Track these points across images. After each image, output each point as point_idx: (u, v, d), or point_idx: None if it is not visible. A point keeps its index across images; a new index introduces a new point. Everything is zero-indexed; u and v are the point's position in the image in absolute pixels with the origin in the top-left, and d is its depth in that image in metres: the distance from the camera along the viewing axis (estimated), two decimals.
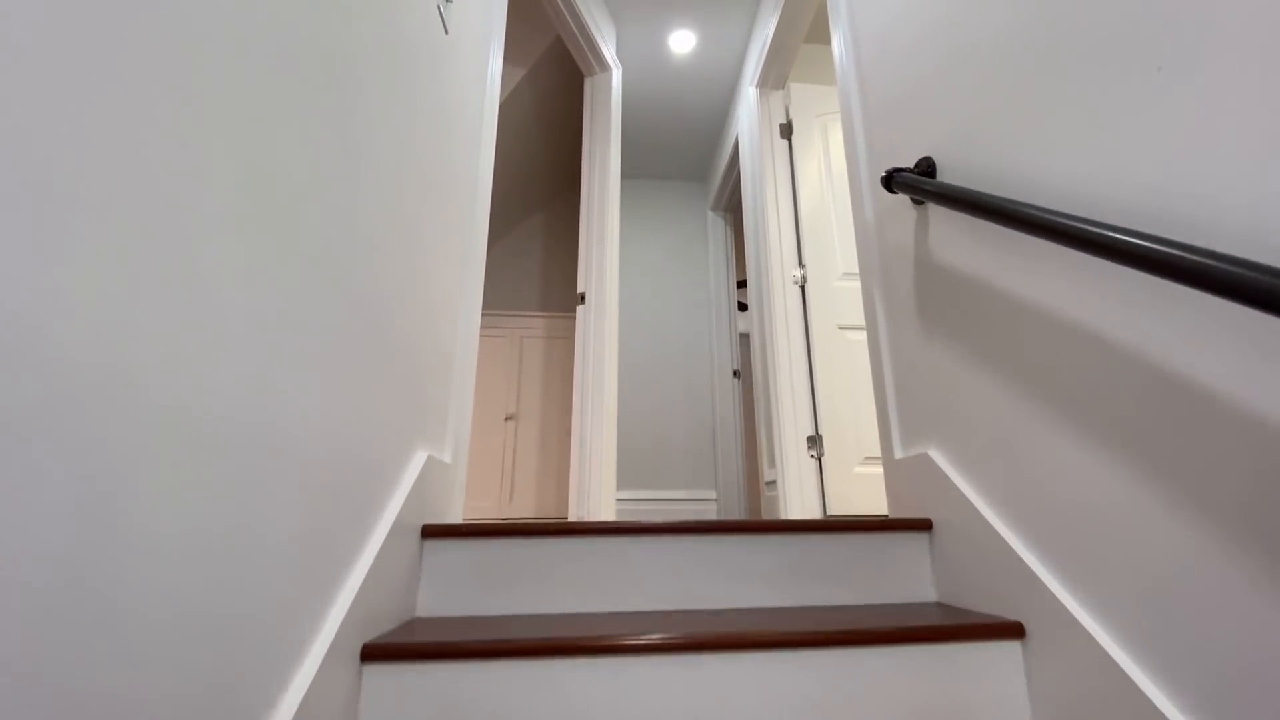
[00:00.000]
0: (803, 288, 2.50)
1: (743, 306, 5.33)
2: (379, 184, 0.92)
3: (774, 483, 2.38)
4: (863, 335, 2.42)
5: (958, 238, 1.17)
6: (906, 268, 1.36)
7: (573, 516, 2.14)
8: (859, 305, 2.46)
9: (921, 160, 1.28)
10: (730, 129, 3.37)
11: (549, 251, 3.74)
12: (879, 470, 2.25)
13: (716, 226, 3.86)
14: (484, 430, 3.11)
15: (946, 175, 1.21)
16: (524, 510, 3.06)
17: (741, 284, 5.29)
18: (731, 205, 3.80)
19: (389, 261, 0.96)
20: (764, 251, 2.63)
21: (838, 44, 1.71)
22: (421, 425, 1.12)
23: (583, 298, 2.39)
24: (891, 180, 1.27)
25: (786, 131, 2.72)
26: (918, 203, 1.31)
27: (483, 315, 3.33)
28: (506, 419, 3.18)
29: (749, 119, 2.95)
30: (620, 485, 3.46)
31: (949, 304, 1.20)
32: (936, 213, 1.25)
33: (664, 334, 3.72)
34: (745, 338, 7.75)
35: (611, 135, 2.59)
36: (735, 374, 3.54)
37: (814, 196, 2.58)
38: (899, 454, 1.36)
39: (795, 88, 2.74)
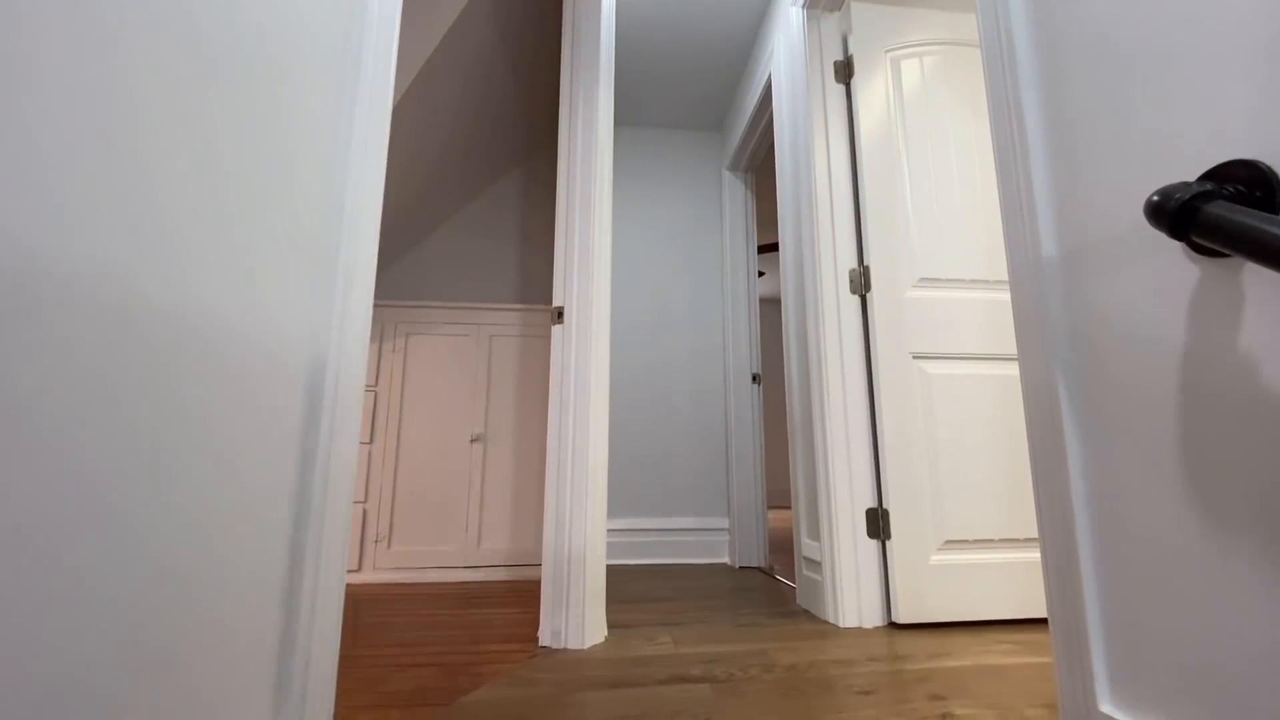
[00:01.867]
0: (863, 296, 1.82)
1: (769, 247, 4.61)
2: None
3: (817, 563, 1.78)
4: (950, 368, 1.76)
5: None
6: (1162, 374, 0.70)
7: (548, 555, 1.56)
8: (944, 325, 1.78)
9: (1232, 168, 0.60)
10: (758, 65, 2.57)
11: (525, 226, 3.01)
12: (963, 559, 1.65)
13: (734, 190, 3.11)
14: (444, 457, 2.52)
15: None
16: (495, 556, 2.51)
17: (763, 249, 4.56)
18: (754, 164, 3.04)
19: None
20: (808, 240, 1.93)
21: None
22: None
23: (559, 314, 1.71)
24: (1192, 218, 0.59)
25: (844, 72, 1.96)
26: (1207, 254, 0.64)
27: (440, 308, 2.66)
28: (472, 441, 2.55)
29: (788, 52, 2.17)
30: (613, 513, 2.88)
31: None
32: (1270, 284, 0.57)
33: (665, 328, 3.05)
34: (766, 304, 6.97)
35: (601, 74, 1.84)
36: (755, 379, 2.89)
37: (883, 168, 1.85)
38: (1106, 707, 0.75)
39: (859, 8, 1.96)
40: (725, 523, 2.89)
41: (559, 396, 1.66)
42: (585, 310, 1.69)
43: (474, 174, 2.89)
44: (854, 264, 1.84)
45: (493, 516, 2.54)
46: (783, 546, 3.32)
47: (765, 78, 2.42)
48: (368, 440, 2.51)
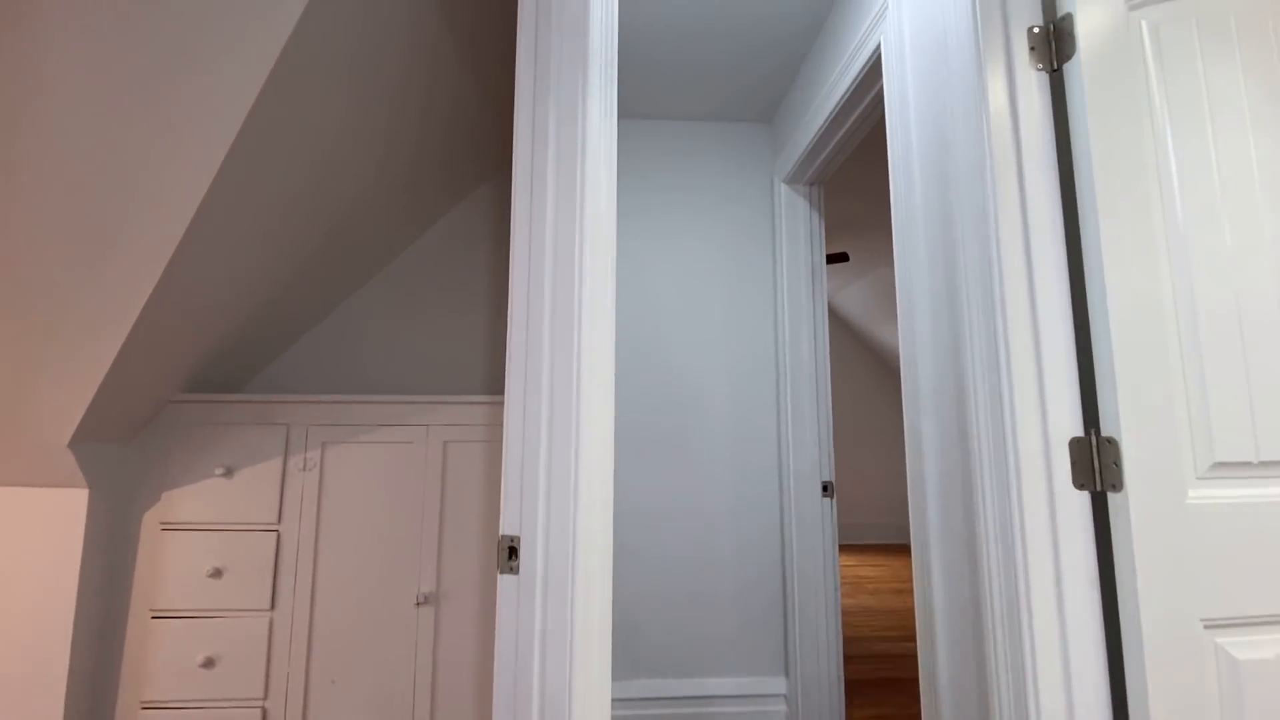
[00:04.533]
0: (1099, 495, 0.95)
1: (837, 256, 3.67)
2: None
3: None
4: None
5: None
6: None
7: None
8: (1271, 562, 0.91)
9: None
10: (845, 32, 1.64)
11: (498, 281, 2.15)
12: None
13: (795, 213, 2.19)
14: (379, 627, 1.73)
15: None
16: None
17: (832, 258, 3.63)
18: (824, 175, 2.12)
19: None
20: (974, 367, 1.05)
21: None
22: None
23: (511, 553, 0.87)
24: None
25: (1049, 47, 1.03)
26: None
27: (373, 404, 1.83)
28: (419, 603, 1.75)
29: (924, 8, 1.25)
30: (620, 674, 2.08)
31: None
32: None
33: (690, 409, 2.18)
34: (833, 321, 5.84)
35: (592, 60, 0.97)
36: (826, 489, 2.03)
37: (1135, 232, 0.95)
38: None
39: None
40: (782, 687, 2.08)
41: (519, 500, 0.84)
42: (565, 402, 0.85)
43: (421, 203, 2.02)
44: (1075, 428, 0.96)
45: (450, 710, 1.76)
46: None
47: (865, 54, 1.49)
48: (266, 606, 1.72)
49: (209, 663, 1.68)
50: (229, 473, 1.75)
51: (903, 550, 5.47)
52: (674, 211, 2.29)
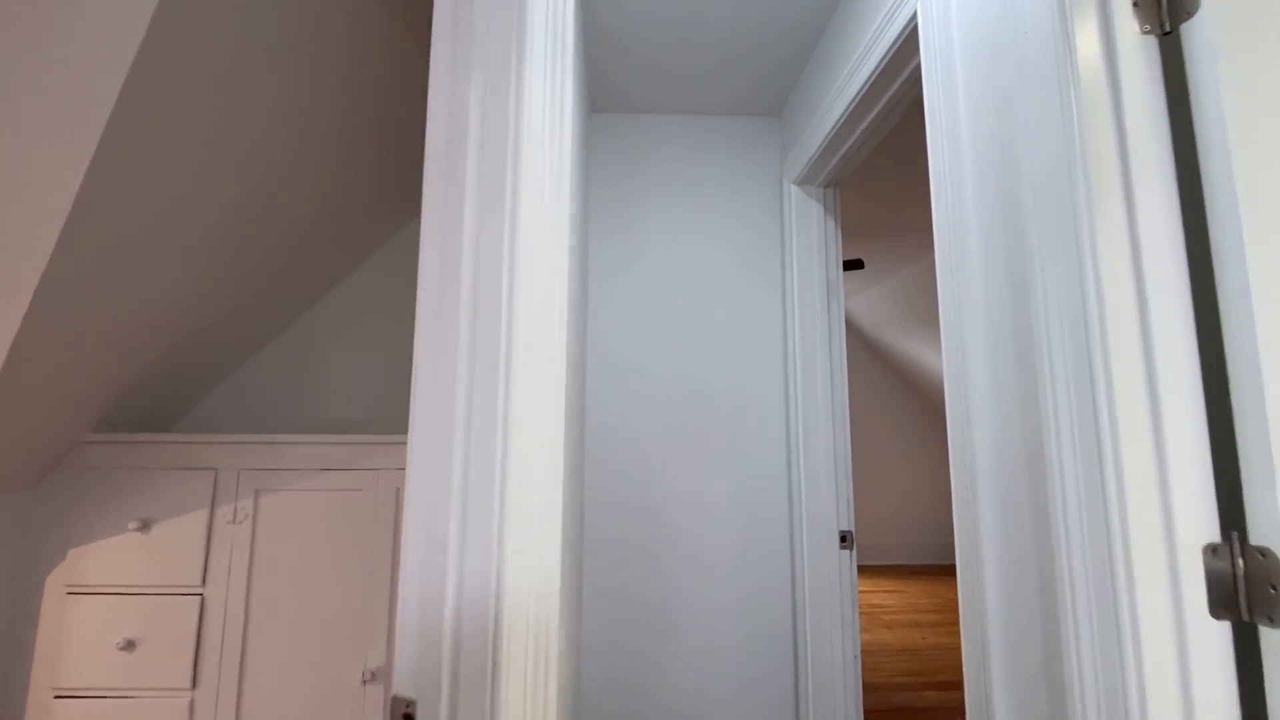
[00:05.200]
0: (1241, 624, 0.67)
1: (852, 264, 3.43)
2: None
3: None
4: None
5: None
6: None
7: None
8: None
9: None
10: (872, 6, 1.37)
11: None
12: None
13: (807, 220, 1.91)
14: (321, 709, 1.46)
15: None
16: None
17: (849, 265, 3.36)
18: (841, 176, 1.84)
19: None
20: (1061, 460, 0.78)
21: None
22: None
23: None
24: None
25: (1170, 2, 0.76)
26: None
27: (314, 445, 1.58)
28: (366, 681, 1.49)
29: None
30: None
31: None
32: None
33: (689, 451, 1.92)
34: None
35: (530, 22, 0.71)
36: (844, 539, 1.76)
37: None
38: None
39: None
40: None
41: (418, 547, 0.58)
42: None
43: (370, 218, 1.76)
44: (1210, 532, 0.68)
45: None
46: None
47: (895, 28, 1.22)
48: (187, 685, 1.47)
49: None
50: (146, 526, 1.50)
51: (919, 572, 5.17)
52: (669, 222, 2.02)
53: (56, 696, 1.44)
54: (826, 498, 1.74)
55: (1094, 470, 0.73)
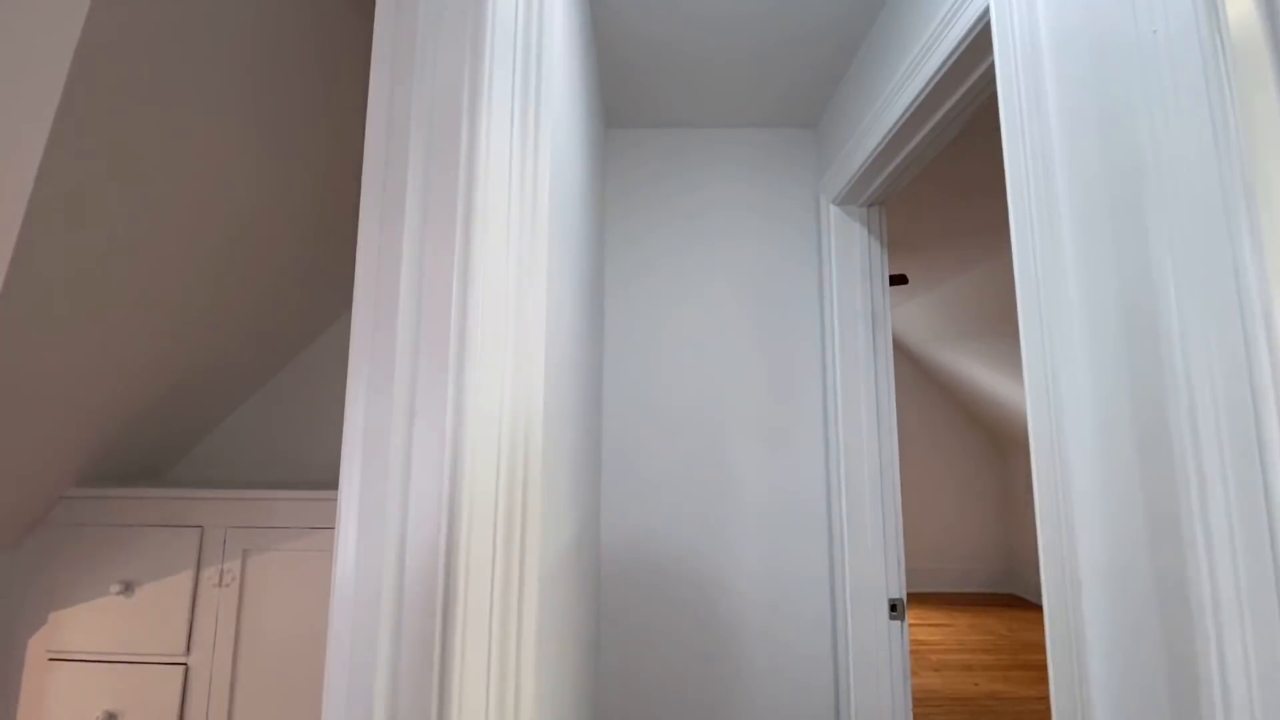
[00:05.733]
0: None
1: (896, 279, 3.17)
2: None
3: None
4: None
5: None
6: None
7: None
8: None
9: None
10: (929, 2, 1.17)
11: None
12: None
13: (848, 244, 1.71)
14: None
15: None
16: None
17: (893, 280, 3.11)
18: (889, 194, 1.63)
19: None
20: (1202, 572, 0.57)
21: None
22: None
23: None
24: None
25: None
26: None
27: (310, 500, 1.46)
28: None
29: None
30: None
31: None
32: None
33: (711, 507, 1.73)
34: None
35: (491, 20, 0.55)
36: (894, 608, 1.55)
37: None
38: None
39: None
40: None
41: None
42: None
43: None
44: None
45: None
46: None
47: (963, 27, 1.02)
48: None
49: None
50: (128, 589, 1.39)
51: (968, 603, 4.85)
52: (693, 248, 1.84)
53: None
54: (874, 563, 1.53)
55: (1262, 559, 0.53)
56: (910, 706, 1.53)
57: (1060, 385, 0.79)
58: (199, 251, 1.23)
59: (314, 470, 1.75)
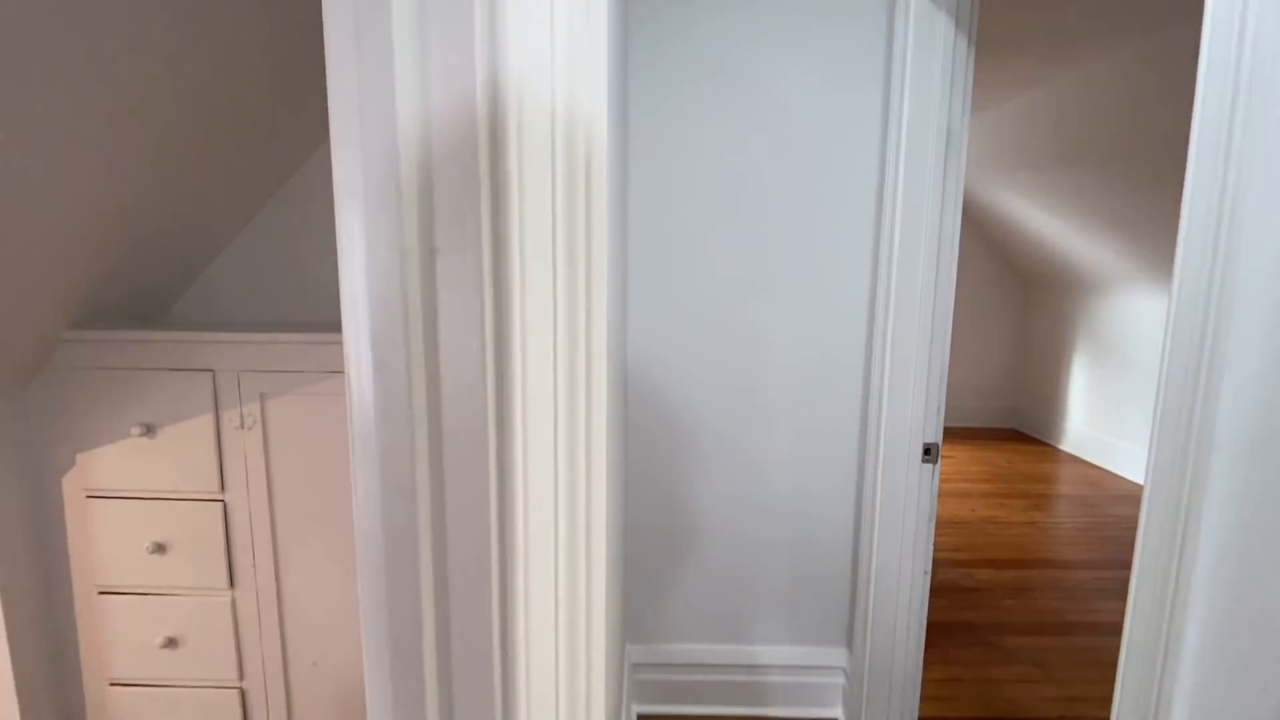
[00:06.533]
0: None
1: None
2: None
3: None
4: None
5: None
6: None
7: None
8: None
9: None
10: None
11: None
12: None
13: (928, 42, 1.40)
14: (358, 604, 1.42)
15: None
16: None
17: None
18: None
19: None
20: None
21: None
22: None
23: None
24: None
25: None
26: None
27: (325, 344, 1.36)
28: None
29: None
30: (635, 636, 1.79)
31: None
32: None
33: (733, 341, 1.63)
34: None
35: None
36: (928, 451, 1.52)
37: None
38: None
39: None
40: (843, 659, 1.76)
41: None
42: None
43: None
44: None
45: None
46: None
47: None
48: (224, 585, 1.43)
49: (171, 643, 1.44)
50: (150, 431, 1.36)
51: (971, 437, 5.04)
52: (734, 33, 1.53)
53: (101, 593, 1.43)
54: (913, 409, 1.47)
55: None
56: (931, 548, 1.57)
57: (1241, 213, 0.62)
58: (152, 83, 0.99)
59: (319, 302, 1.64)
